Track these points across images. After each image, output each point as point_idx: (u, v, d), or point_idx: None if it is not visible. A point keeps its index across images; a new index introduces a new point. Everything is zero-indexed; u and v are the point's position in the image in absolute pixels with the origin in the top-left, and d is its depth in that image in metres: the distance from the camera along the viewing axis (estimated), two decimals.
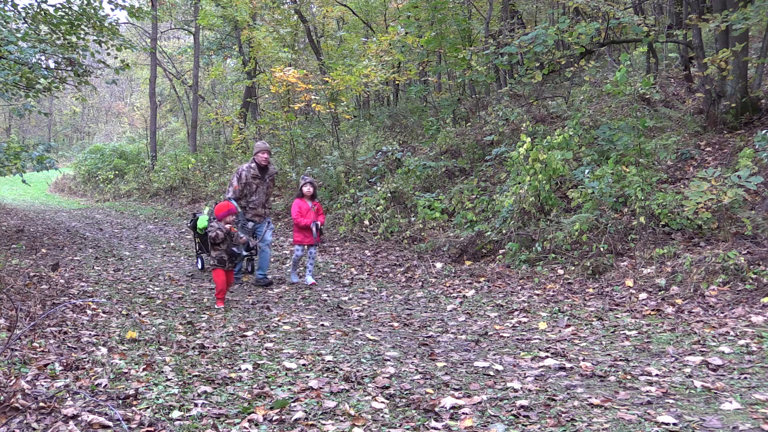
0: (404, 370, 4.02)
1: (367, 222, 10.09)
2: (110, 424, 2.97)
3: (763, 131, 6.91)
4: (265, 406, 3.33)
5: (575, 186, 7.92)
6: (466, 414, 3.23)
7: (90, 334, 4.67)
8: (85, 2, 10.78)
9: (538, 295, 6.17)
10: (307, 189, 7.29)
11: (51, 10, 10.61)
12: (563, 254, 6.95)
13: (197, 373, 3.84)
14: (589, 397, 3.42)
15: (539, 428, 3.06)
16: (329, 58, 16.11)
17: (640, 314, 5.24)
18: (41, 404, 3.09)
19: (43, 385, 3.40)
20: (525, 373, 3.93)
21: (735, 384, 3.59)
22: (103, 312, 5.47)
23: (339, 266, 8.42)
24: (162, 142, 27.32)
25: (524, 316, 5.50)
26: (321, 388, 3.62)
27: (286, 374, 3.92)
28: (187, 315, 5.68)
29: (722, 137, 8.12)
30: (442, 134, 11.42)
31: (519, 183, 7.75)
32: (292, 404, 3.36)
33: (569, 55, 10.31)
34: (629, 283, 5.97)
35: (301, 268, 7.76)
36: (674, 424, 3.03)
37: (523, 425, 3.10)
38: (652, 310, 5.28)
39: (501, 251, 7.54)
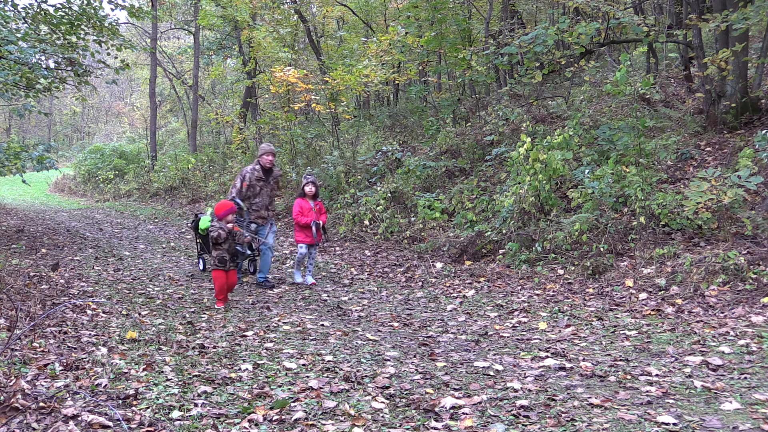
0: (404, 370, 4.02)
1: (367, 222, 10.09)
2: (110, 424, 2.97)
3: (763, 131, 6.90)
4: (265, 406, 3.33)
5: (575, 186, 7.92)
6: (466, 414, 3.23)
7: (90, 334, 4.67)
8: (85, 2, 10.77)
9: (538, 295, 6.17)
10: (309, 188, 7.26)
11: (51, 10, 10.61)
12: (563, 254, 6.95)
13: (197, 373, 3.84)
14: (589, 397, 3.42)
15: (539, 428, 3.06)
16: (329, 58, 16.11)
17: (640, 314, 5.24)
18: (41, 404, 3.09)
19: (43, 385, 3.40)
20: (525, 373, 3.93)
21: (735, 384, 3.59)
22: (103, 312, 5.47)
23: (339, 266, 8.42)
24: (162, 142, 27.32)
25: (524, 316, 5.50)
26: (321, 388, 3.62)
27: (286, 374, 3.92)
28: (187, 315, 5.68)
29: (722, 137, 8.12)
30: (442, 134, 11.42)
31: (519, 183, 7.75)
32: (292, 404, 3.36)
33: (569, 55, 10.31)
34: (629, 283, 5.97)
35: (301, 268, 7.75)
36: (674, 424, 3.03)
37: (523, 425, 3.10)
38: (652, 310, 5.28)
39: (501, 251, 7.54)
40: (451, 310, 5.92)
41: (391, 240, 9.32)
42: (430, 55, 13.12)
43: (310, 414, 3.23)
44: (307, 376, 3.86)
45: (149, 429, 2.96)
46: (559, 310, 5.57)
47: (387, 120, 15.13)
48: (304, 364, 4.11)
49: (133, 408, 3.21)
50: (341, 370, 3.97)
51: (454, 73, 14.08)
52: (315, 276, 7.64)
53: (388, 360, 4.27)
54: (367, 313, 5.91)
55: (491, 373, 3.95)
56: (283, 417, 3.18)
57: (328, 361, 4.19)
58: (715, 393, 3.46)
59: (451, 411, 3.27)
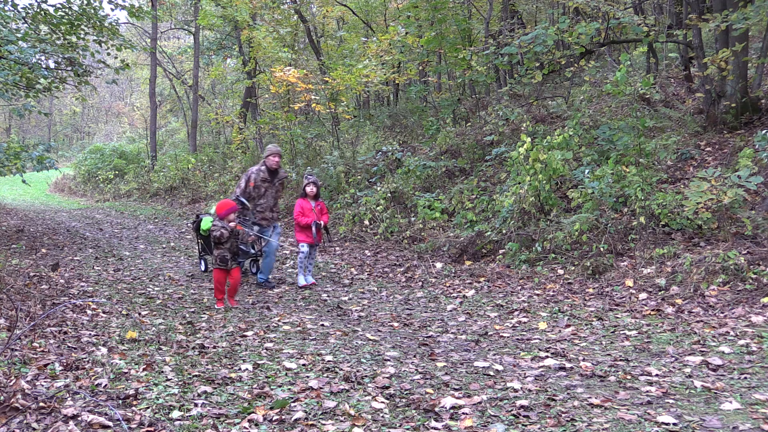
0: (404, 370, 4.02)
1: (367, 222, 10.09)
2: (110, 424, 2.97)
3: (763, 131, 6.90)
4: (265, 406, 3.33)
5: (575, 186, 7.92)
6: (466, 414, 3.23)
7: (90, 334, 4.67)
8: (85, 2, 10.77)
9: (538, 295, 6.17)
10: (310, 189, 7.20)
11: (51, 10, 10.61)
12: (563, 254, 6.95)
13: (197, 373, 3.84)
14: (589, 397, 3.42)
15: (539, 428, 3.06)
16: (329, 58, 16.10)
17: (640, 314, 5.24)
18: (41, 404, 3.09)
19: (43, 385, 3.40)
20: (525, 373, 3.93)
21: (735, 384, 3.59)
22: (103, 312, 5.47)
23: (339, 266, 8.42)
24: (162, 142, 27.32)
25: (524, 316, 5.50)
26: (321, 388, 3.62)
27: (286, 374, 3.92)
28: (187, 315, 5.68)
29: (722, 137, 8.12)
30: (442, 134, 11.42)
31: (519, 183, 7.75)
32: (292, 404, 3.36)
33: (569, 55, 10.30)
34: (629, 283, 5.97)
35: (304, 270, 7.71)
36: (674, 424, 3.03)
37: (523, 425, 3.10)
38: (652, 310, 5.28)
39: (501, 251, 7.54)
40: (451, 310, 5.92)
41: (391, 240, 9.32)
42: (430, 55, 13.12)
43: (310, 414, 3.23)
44: (307, 376, 3.86)
45: (149, 429, 2.96)
46: (559, 310, 5.57)
47: (387, 120, 15.13)
48: (304, 364, 4.11)
49: (133, 408, 3.21)
50: (341, 370, 3.97)
51: (454, 73, 14.08)
52: (315, 276, 7.63)
53: (388, 360, 4.27)
54: (367, 313, 5.91)
55: (491, 373, 3.95)
56: (283, 417, 3.18)
57: (328, 361, 4.19)
58: (715, 393, 3.46)
59: (451, 411, 3.28)
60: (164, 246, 10.58)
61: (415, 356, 4.38)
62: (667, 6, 12.53)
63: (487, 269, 7.22)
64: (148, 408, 3.22)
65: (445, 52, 12.46)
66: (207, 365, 4.06)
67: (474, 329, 5.20)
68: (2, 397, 3.05)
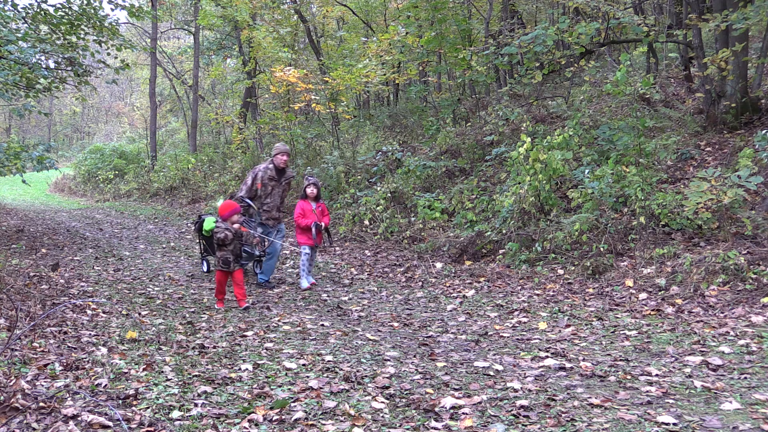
0: (404, 370, 4.02)
1: (367, 222, 10.09)
2: (110, 424, 2.97)
3: (763, 131, 6.90)
4: (265, 406, 3.33)
5: (575, 186, 7.92)
6: (466, 414, 3.23)
7: (90, 334, 4.67)
8: (85, 2, 10.77)
9: (538, 295, 6.17)
10: (311, 190, 7.14)
11: (51, 10, 10.60)
12: (563, 254, 6.95)
13: (197, 373, 3.84)
14: (589, 397, 3.42)
15: (539, 428, 3.06)
16: (329, 58, 16.11)
17: (640, 314, 5.24)
18: (41, 404, 3.09)
19: (43, 385, 3.40)
20: (525, 373, 3.93)
21: (735, 384, 3.59)
22: (103, 312, 5.47)
23: (339, 266, 8.42)
24: (162, 142, 27.32)
25: (524, 316, 5.50)
26: (321, 388, 3.62)
27: (286, 374, 3.92)
28: (187, 315, 5.68)
29: (722, 137, 8.12)
30: (442, 134, 11.42)
31: (519, 183, 7.75)
32: (292, 404, 3.36)
33: (569, 55, 10.31)
34: (629, 283, 5.97)
35: (306, 273, 7.69)
36: (674, 424, 3.03)
37: (523, 425, 3.10)
38: (652, 310, 5.28)
39: (501, 251, 7.54)
40: (451, 310, 5.92)
41: (391, 240, 9.32)
42: (430, 55, 13.11)
43: (310, 414, 3.23)
44: (307, 376, 3.86)
45: (149, 429, 2.96)
46: (559, 310, 5.57)
47: (387, 120, 15.13)
48: (304, 364, 4.11)
49: (133, 408, 3.21)
50: (341, 370, 3.97)
51: (454, 73, 14.08)
52: (315, 276, 7.63)
53: (388, 360, 4.27)
54: (367, 313, 5.91)
55: (491, 373, 3.95)
56: (283, 417, 3.18)
57: (328, 361, 4.19)
58: (715, 393, 3.46)
59: (451, 411, 3.28)
60: (164, 246, 10.58)
61: (415, 356, 4.38)
62: (667, 6, 12.53)
63: (487, 269, 7.22)
64: (148, 408, 3.22)
65: (445, 52, 12.46)
66: (207, 365, 4.06)
67: (474, 329, 5.20)
68: (2, 397, 3.05)
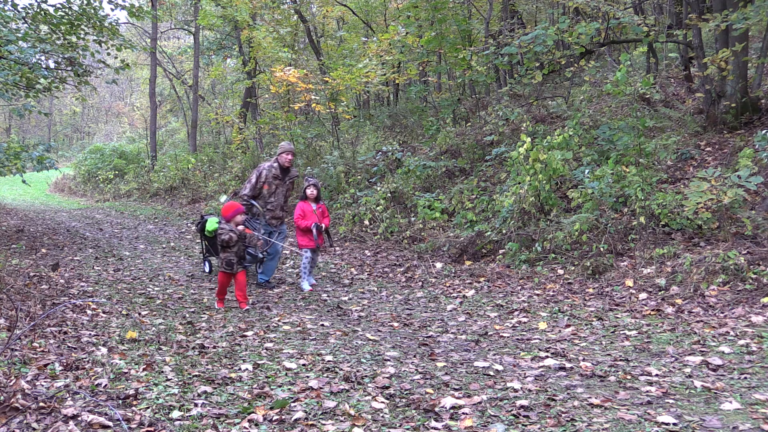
0: (404, 370, 4.02)
1: (367, 222, 10.09)
2: (110, 424, 2.97)
3: (763, 131, 6.90)
4: (265, 406, 3.33)
5: (575, 186, 7.92)
6: (466, 414, 3.23)
7: (90, 334, 4.67)
8: (85, 2, 10.77)
9: (538, 295, 6.17)
10: (311, 191, 7.09)
11: (51, 10, 10.60)
12: (563, 254, 6.95)
13: (197, 373, 3.84)
14: (589, 397, 3.42)
15: (539, 428, 3.06)
16: (329, 58, 16.11)
17: (640, 314, 5.24)
18: (41, 404, 3.09)
19: (43, 385, 3.40)
20: (525, 373, 3.93)
21: (735, 384, 3.59)
22: (103, 312, 5.47)
23: (339, 266, 8.42)
24: (162, 142, 27.32)
25: (524, 316, 5.50)
26: (321, 388, 3.62)
27: (286, 374, 3.92)
28: (187, 315, 5.68)
29: (722, 137, 8.12)
30: (442, 134, 11.42)
31: (519, 183, 7.75)
32: (292, 404, 3.36)
33: (569, 55, 10.31)
34: (629, 283, 5.97)
35: (307, 275, 7.68)
36: (674, 424, 3.03)
37: (523, 425, 3.10)
38: (652, 310, 5.28)
39: (501, 251, 7.54)
40: (451, 310, 5.92)
41: (391, 240, 9.32)
42: (430, 55, 13.11)
43: (310, 414, 3.23)
44: (307, 376, 3.86)
45: (149, 429, 2.96)
46: (559, 310, 5.57)
47: (387, 120, 15.13)
48: (304, 364, 4.11)
49: (133, 408, 3.21)
50: (341, 370, 3.97)
51: (454, 73, 14.08)
52: (315, 276, 7.62)
53: (388, 360, 4.27)
54: (367, 313, 5.91)
55: (491, 373, 3.95)
56: (283, 417, 3.18)
57: (328, 361, 4.19)
58: (715, 393, 3.46)
59: (451, 411, 3.28)
60: (164, 246, 10.58)
61: (415, 356, 4.38)
62: (667, 6, 12.53)
63: (487, 269, 7.22)
64: (148, 408, 3.22)
65: (445, 52, 12.45)
66: (207, 365, 4.06)
67: (474, 329, 5.20)
68: (2, 397, 3.05)
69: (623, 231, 6.82)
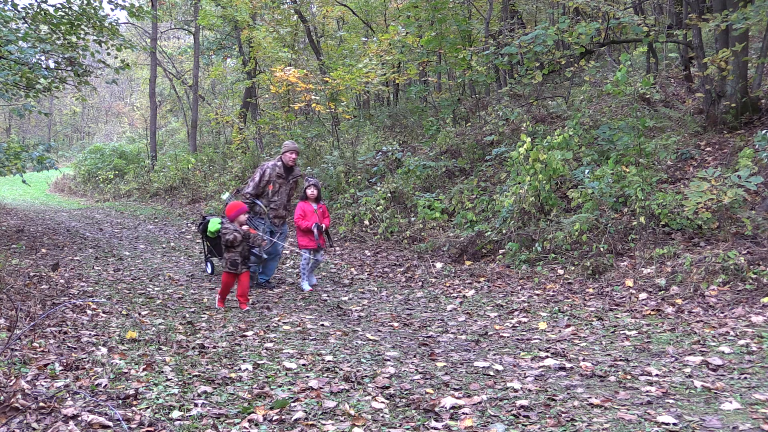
0: (404, 370, 4.02)
1: (367, 222, 10.09)
2: (110, 424, 2.97)
3: (763, 131, 6.91)
4: (265, 406, 3.33)
5: (575, 186, 7.92)
6: (466, 414, 3.23)
7: (90, 334, 4.67)
8: (85, 2, 10.77)
9: (538, 295, 6.17)
10: (311, 192, 7.09)
11: (51, 10, 10.60)
12: (563, 254, 6.95)
13: (197, 373, 3.84)
14: (589, 397, 3.43)
15: (539, 428, 3.06)
16: (329, 58, 16.11)
17: (640, 314, 5.24)
18: (41, 404, 3.09)
19: (43, 385, 3.40)
20: (525, 373, 3.93)
21: (735, 384, 3.59)
22: (103, 312, 5.47)
23: (339, 266, 8.42)
24: (162, 142, 27.33)
25: (524, 316, 5.50)
26: (321, 388, 3.62)
27: (286, 374, 3.92)
28: (187, 315, 5.68)
29: (722, 137, 8.12)
30: (442, 134, 11.42)
31: (519, 183, 7.75)
32: (292, 404, 3.36)
33: (569, 55, 10.30)
34: (629, 283, 5.97)
35: (307, 276, 7.68)
36: (674, 424, 3.03)
37: (523, 425, 3.10)
38: (652, 310, 5.28)
39: (501, 251, 7.54)
40: (451, 310, 5.92)
41: (391, 240, 9.32)
42: (430, 55, 13.12)
43: (310, 414, 3.23)
44: (307, 376, 3.86)
45: (149, 429, 2.96)
46: (559, 310, 5.57)
47: (387, 120, 15.13)
48: (304, 364, 4.11)
49: (133, 408, 3.21)
50: (341, 370, 3.97)
51: (454, 73, 14.08)
52: (315, 276, 7.62)
53: (388, 360, 4.27)
54: (367, 313, 5.91)
55: (491, 373, 3.95)
56: (283, 417, 3.18)
57: (328, 361, 4.19)
58: (715, 393, 3.46)
59: (451, 411, 3.28)
60: (164, 246, 10.58)
61: (415, 356, 4.38)
62: (667, 6, 12.53)
63: (487, 269, 7.22)
64: (148, 408, 3.22)
65: (445, 52, 12.46)
66: (207, 365, 4.06)
67: (474, 329, 5.20)
68: (2, 397, 3.05)
69: (623, 231, 6.82)
